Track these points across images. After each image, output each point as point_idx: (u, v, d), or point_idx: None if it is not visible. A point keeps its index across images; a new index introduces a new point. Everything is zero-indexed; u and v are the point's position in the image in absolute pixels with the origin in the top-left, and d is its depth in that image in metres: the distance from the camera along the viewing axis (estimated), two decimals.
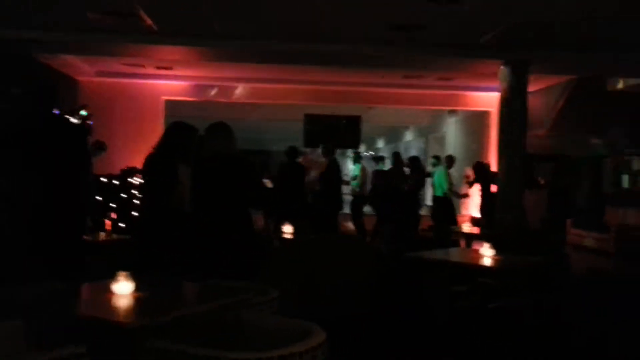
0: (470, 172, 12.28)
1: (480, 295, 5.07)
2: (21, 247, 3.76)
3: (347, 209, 11.87)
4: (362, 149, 29.55)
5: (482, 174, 11.46)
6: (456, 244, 8.00)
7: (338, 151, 12.66)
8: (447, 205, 11.51)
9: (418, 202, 10.82)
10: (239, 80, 13.02)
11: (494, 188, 11.43)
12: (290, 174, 9.19)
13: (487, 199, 11.01)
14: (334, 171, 10.27)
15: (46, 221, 3.81)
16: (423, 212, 13.57)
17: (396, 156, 11.40)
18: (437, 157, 12.72)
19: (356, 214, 11.56)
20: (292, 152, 9.69)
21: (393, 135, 23.59)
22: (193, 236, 4.44)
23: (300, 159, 9.87)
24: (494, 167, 11.51)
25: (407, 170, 10.87)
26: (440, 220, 11.37)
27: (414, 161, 10.93)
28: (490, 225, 9.73)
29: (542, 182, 11.34)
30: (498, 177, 10.63)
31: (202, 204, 4.47)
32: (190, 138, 4.50)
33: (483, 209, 11.17)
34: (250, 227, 4.57)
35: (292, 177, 9.18)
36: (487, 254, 5.35)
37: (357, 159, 11.94)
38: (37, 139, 3.82)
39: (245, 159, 4.65)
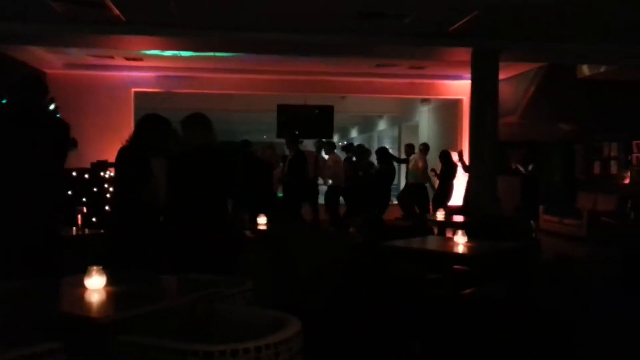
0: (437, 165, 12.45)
1: (454, 283, 5.13)
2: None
3: (321, 200, 11.92)
4: (335, 138, 29.65)
5: (448, 162, 11.66)
6: (430, 232, 8.06)
7: (311, 141, 12.64)
8: (421, 193, 11.61)
9: (387, 191, 10.88)
10: (210, 71, 12.94)
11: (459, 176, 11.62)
12: (246, 166, 9.17)
13: (445, 187, 11.26)
14: (299, 162, 10.22)
15: (21, 214, 3.77)
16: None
17: (349, 147, 11.65)
18: (411, 146, 12.79)
19: (331, 205, 11.57)
20: (245, 144, 9.82)
21: (366, 124, 23.64)
22: (167, 231, 4.42)
23: (259, 151, 9.80)
24: (466, 155, 11.62)
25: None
26: (413, 208, 11.47)
27: (380, 153, 10.98)
28: (459, 212, 9.84)
29: (519, 169, 11.46)
30: (465, 165, 10.76)
31: (181, 199, 4.44)
32: (163, 130, 4.46)
33: (444, 196, 11.39)
34: (227, 221, 4.56)
35: (249, 169, 9.16)
36: (461, 242, 5.41)
37: (329, 148, 11.93)
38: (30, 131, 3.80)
39: (226, 151, 4.63)
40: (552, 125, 13.75)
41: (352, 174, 10.87)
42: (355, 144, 15.68)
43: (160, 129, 4.47)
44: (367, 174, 10.69)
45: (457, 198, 12.77)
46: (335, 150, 12.20)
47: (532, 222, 10.38)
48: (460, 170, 11.85)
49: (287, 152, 10.85)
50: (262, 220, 7.02)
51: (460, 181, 11.84)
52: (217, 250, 4.39)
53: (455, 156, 12.73)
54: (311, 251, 5.48)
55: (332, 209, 11.56)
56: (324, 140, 12.61)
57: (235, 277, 3.68)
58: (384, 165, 10.50)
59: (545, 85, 12.47)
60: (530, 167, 11.22)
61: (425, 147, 12.11)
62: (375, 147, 16.79)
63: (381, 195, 10.31)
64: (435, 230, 8.67)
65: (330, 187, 11.73)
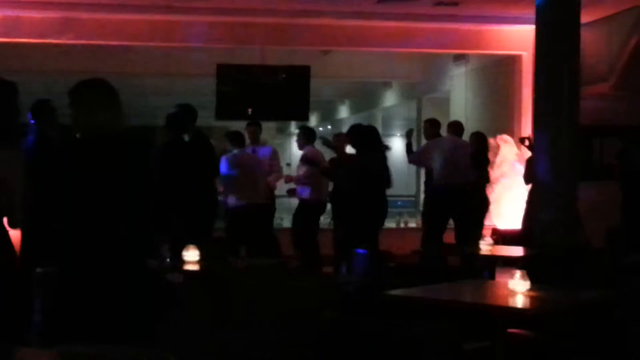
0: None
1: (509, 356, 5.15)
2: None
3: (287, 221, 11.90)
4: (313, 121, 29.82)
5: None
6: (473, 272, 8.08)
7: (274, 126, 12.66)
8: (463, 203, 11.58)
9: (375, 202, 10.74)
10: (97, 8, 12.83)
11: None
12: (179, 161, 9.13)
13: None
14: None
15: None
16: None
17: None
18: (434, 123, 12.68)
19: (302, 229, 11.56)
20: (175, 123, 9.53)
21: (365, 97, 23.73)
22: (26, 276, 4.41)
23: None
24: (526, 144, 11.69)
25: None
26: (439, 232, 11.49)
27: (360, 135, 10.83)
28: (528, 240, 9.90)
29: (615, 168, 11.49)
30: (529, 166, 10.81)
31: (61, 217, 4.45)
32: (7, 103, 4.45)
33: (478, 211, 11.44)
34: (142, 256, 4.58)
35: (182, 165, 9.11)
36: (520, 289, 5.43)
37: (307, 138, 11.93)
38: None
39: (146, 141, 4.66)
40: None
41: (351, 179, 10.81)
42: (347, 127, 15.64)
43: (3, 102, 4.46)
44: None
45: (508, 216, 12.82)
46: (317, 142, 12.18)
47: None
48: (514, 171, 11.94)
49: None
50: (191, 255, 7.01)
51: (517, 191, 11.91)
52: (121, 306, 4.39)
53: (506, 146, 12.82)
54: (271, 305, 5.49)
55: (304, 237, 11.54)
56: (301, 124, 12.64)
57: (151, 351, 3.68)
58: (365, 157, 10.30)
59: None
60: (633, 167, 11.25)
61: (457, 127, 12.07)
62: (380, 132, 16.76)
63: (365, 209, 10.18)
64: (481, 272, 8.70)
65: (305, 202, 11.70)
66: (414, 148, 13.18)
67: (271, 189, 11.67)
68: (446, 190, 11.31)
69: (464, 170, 11.37)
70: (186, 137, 9.56)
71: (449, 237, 11.52)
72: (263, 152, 11.88)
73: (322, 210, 11.80)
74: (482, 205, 11.82)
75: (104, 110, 4.53)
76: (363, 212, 9.87)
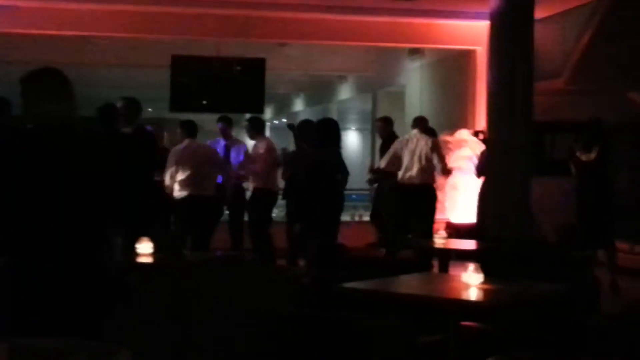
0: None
1: (463, 349, 5.17)
2: None
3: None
4: (268, 114, 29.79)
5: None
6: (427, 265, 8.10)
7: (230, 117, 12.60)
8: (423, 201, 11.62)
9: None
10: None
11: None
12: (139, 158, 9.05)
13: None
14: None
15: None
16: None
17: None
18: (387, 120, 12.77)
19: (256, 224, 11.55)
20: (105, 115, 9.39)
21: (320, 90, 23.75)
22: None
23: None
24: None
25: None
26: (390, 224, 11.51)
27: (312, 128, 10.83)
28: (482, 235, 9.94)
29: (580, 157, 11.49)
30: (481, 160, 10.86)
31: (12, 215, 4.39)
32: None
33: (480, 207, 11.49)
34: (94, 253, 4.54)
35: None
36: (473, 282, 5.45)
37: (256, 128, 11.91)
38: None
39: (100, 132, 4.61)
40: (618, 95, 14.00)
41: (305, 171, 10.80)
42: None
43: None
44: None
45: (462, 211, 12.89)
46: (268, 134, 12.20)
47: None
48: (469, 166, 12.00)
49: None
50: (145, 247, 6.97)
51: (472, 186, 11.96)
52: (69, 299, 4.35)
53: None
54: (225, 298, 5.47)
55: (258, 230, 11.53)
56: (249, 116, 12.59)
57: (102, 344, 3.66)
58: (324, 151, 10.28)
59: (608, 29, 12.68)
60: (594, 153, 11.25)
61: (416, 123, 12.05)
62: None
63: (320, 203, 10.18)
64: (434, 265, 8.73)
65: (255, 192, 11.68)
66: (370, 144, 13.25)
67: (230, 185, 11.56)
68: (411, 187, 11.35)
69: (430, 168, 11.44)
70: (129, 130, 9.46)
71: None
72: (237, 149, 11.81)
73: (274, 201, 11.80)
74: (434, 200, 11.86)
75: (56, 100, 4.47)
76: (319, 205, 9.86)
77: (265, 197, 11.62)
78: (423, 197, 11.40)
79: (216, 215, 11.14)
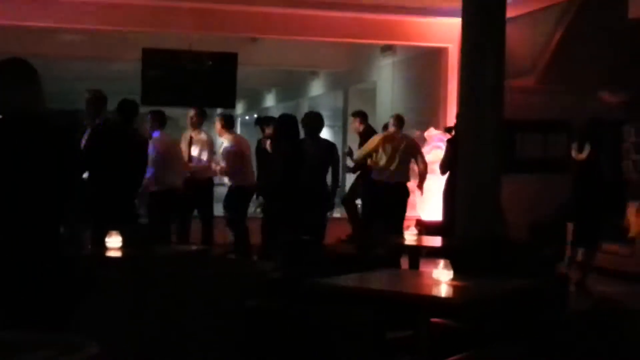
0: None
1: (433, 345, 5.17)
2: None
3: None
4: (239, 109, 29.70)
5: None
6: (397, 261, 8.12)
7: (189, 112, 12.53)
8: (398, 198, 11.66)
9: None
10: None
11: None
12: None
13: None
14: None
15: None
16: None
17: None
18: (361, 114, 12.79)
19: (231, 216, 11.56)
20: (126, 109, 9.41)
21: (292, 86, 23.76)
22: None
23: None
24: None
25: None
26: (368, 221, 11.54)
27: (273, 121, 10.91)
28: (438, 231, 9.98)
29: (578, 155, 11.53)
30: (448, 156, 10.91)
31: None
32: None
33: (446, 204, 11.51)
34: (57, 244, 4.52)
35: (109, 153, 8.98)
36: (442, 279, 5.46)
37: (226, 126, 11.89)
38: None
39: (63, 125, 4.57)
40: (589, 94, 14.08)
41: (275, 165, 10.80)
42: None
43: None
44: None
45: (432, 208, 12.92)
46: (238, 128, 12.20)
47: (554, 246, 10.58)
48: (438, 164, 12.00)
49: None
50: (113, 240, 6.94)
51: (442, 183, 11.98)
52: (38, 292, 4.33)
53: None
54: (193, 292, 5.45)
55: (236, 226, 11.54)
56: (220, 111, 12.57)
57: (69, 336, 3.62)
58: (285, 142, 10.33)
59: (579, 28, 12.76)
60: (585, 152, 11.33)
61: (399, 121, 12.06)
62: None
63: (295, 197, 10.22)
64: (404, 262, 8.74)
65: (230, 189, 11.69)
66: (341, 140, 13.25)
67: (202, 177, 11.55)
68: (388, 185, 11.41)
69: (408, 168, 11.54)
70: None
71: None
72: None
73: (249, 197, 11.80)
74: (406, 199, 11.90)
75: (23, 91, 4.45)
76: (293, 200, 9.90)
77: (239, 193, 11.62)
78: (398, 195, 11.48)
79: (185, 208, 11.13)
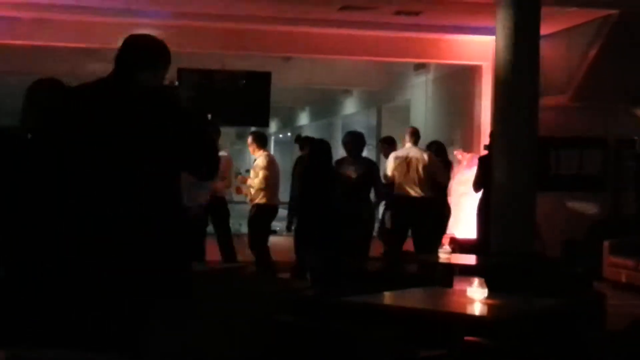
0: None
1: None
2: None
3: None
4: (273, 127, 29.72)
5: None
6: (431, 279, 8.07)
7: (234, 132, 12.56)
8: (423, 214, 11.60)
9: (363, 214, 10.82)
10: (56, 10, 12.72)
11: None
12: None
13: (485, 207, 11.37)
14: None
15: None
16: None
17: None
18: (389, 141, 12.77)
19: (256, 236, 11.51)
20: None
21: (325, 104, 23.75)
22: None
23: None
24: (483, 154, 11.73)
25: None
26: (400, 240, 11.48)
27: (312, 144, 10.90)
28: (472, 249, 9.93)
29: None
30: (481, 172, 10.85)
31: (13, 220, 4.38)
32: None
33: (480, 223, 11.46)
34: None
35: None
36: (477, 297, 5.42)
37: (259, 143, 11.88)
38: None
39: None
40: (624, 111, 14.00)
41: (309, 184, 10.82)
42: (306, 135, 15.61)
43: None
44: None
45: (466, 226, 12.84)
46: (270, 147, 12.19)
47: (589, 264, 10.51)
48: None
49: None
50: None
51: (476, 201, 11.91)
52: (69, 309, 4.33)
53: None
54: (226, 309, 5.44)
55: (258, 243, 11.51)
56: (253, 129, 12.57)
57: (102, 356, 3.64)
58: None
59: (614, 45, 12.68)
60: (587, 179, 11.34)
61: (411, 136, 12.00)
62: (339, 139, 16.76)
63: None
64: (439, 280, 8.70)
65: (257, 207, 11.64)
66: (375, 158, 13.21)
67: (218, 196, 11.54)
68: (406, 200, 11.35)
69: (423, 181, 11.44)
70: None
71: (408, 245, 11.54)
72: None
73: (275, 215, 11.78)
74: (444, 214, 11.85)
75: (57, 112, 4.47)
76: (327, 220, 9.94)
77: (267, 212, 11.59)
78: (420, 210, 11.41)
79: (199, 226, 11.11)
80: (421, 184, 11.37)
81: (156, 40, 4.74)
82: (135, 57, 4.60)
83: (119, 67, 4.57)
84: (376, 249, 12.24)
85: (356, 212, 10.49)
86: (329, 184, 10.21)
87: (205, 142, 4.62)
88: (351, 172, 10.63)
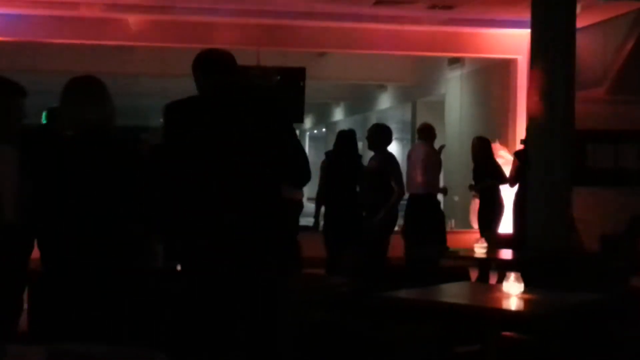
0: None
1: (502, 358, 5.13)
2: None
3: None
4: (308, 123, 29.77)
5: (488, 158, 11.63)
6: (461, 275, 8.07)
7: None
8: (432, 210, 11.56)
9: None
10: (91, 6, 12.81)
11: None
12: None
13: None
14: None
15: None
16: None
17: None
18: (427, 130, 12.67)
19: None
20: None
21: (359, 99, 23.75)
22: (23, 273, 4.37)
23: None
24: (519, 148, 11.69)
25: None
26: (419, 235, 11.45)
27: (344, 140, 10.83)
28: (509, 244, 9.89)
29: None
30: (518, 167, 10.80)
31: (53, 216, 4.42)
32: (7, 101, 4.46)
33: (488, 216, 11.47)
34: (135, 258, 4.56)
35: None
36: (513, 292, 5.41)
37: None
38: None
39: (136, 139, 4.64)
40: None
41: (334, 174, 10.80)
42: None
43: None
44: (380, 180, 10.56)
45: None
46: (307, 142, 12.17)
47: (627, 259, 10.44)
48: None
49: None
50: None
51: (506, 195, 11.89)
52: (109, 306, 4.37)
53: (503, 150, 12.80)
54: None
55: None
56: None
57: (139, 350, 3.65)
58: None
59: None
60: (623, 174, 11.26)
61: (427, 131, 11.91)
62: None
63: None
64: (474, 274, 8.68)
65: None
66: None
67: None
68: (416, 197, 11.35)
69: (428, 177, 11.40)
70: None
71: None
72: None
73: (300, 210, 11.82)
74: (496, 209, 11.83)
75: (94, 108, 4.51)
76: (351, 213, 9.93)
77: (292, 206, 11.62)
78: (427, 206, 11.39)
79: None
80: (424, 179, 11.40)
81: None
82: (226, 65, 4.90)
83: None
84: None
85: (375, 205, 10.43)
86: (353, 173, 10.17)
87: (300, 147, 4.72)
88: (369, 165, 10.59)
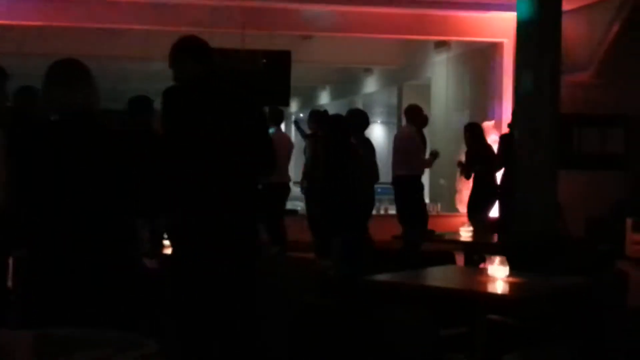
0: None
1: (488, 343, 5.16)
2: None
3: None
4: (293, 106, 29.79)
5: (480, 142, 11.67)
6: (447, 259, 8.10)
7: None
8: (414, 191, 11.59)
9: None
10: None
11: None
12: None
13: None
14: None
15: None
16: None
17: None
18: (414, 110, 12.65)
19: (270, 213, 11.50)
20: (137, 105, 9.13)
21: (345, 83, 23.72)
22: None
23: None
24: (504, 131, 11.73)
25: None
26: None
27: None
28: (494, 228, 9.94)
29: None
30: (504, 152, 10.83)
31: (38, 201, 4.41)
32: None
33: (479, 201, 11.54)
34: (125, 244, 4.55)
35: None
36: (498, 275, 5.44)
37: (272, 119, 11.86)
38: None
39: (122, 123, 4.64)
40: None
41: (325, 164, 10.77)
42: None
43: None
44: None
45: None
46: (283, 125, 12.17)
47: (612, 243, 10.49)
48: None
49: None
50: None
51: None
52: (96, 290, 4.37)
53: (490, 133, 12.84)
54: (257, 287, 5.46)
55: (273, 223, 11.53)
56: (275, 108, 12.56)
57: (127, 334, 3.66)
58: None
59: (636, 21, 12.61)
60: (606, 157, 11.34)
61: (412, 112, 11.92)
62: None
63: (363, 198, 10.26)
64: (460, 258, 8.71)
65: (270, 186, 11.62)
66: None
67: None
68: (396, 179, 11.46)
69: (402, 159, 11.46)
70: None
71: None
72: None
73: (288, 193, 11.82)
74: (487, 194, 11.87)
75: (77, 91, 4.49)
76: (351, 198, 9.92)
77: (279, 190, 11.61)
78: (402, 188, 11.48)
79: None
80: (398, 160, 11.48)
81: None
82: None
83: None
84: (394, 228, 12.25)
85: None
86: (347, 161, 10.16)
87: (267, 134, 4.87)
88: None
